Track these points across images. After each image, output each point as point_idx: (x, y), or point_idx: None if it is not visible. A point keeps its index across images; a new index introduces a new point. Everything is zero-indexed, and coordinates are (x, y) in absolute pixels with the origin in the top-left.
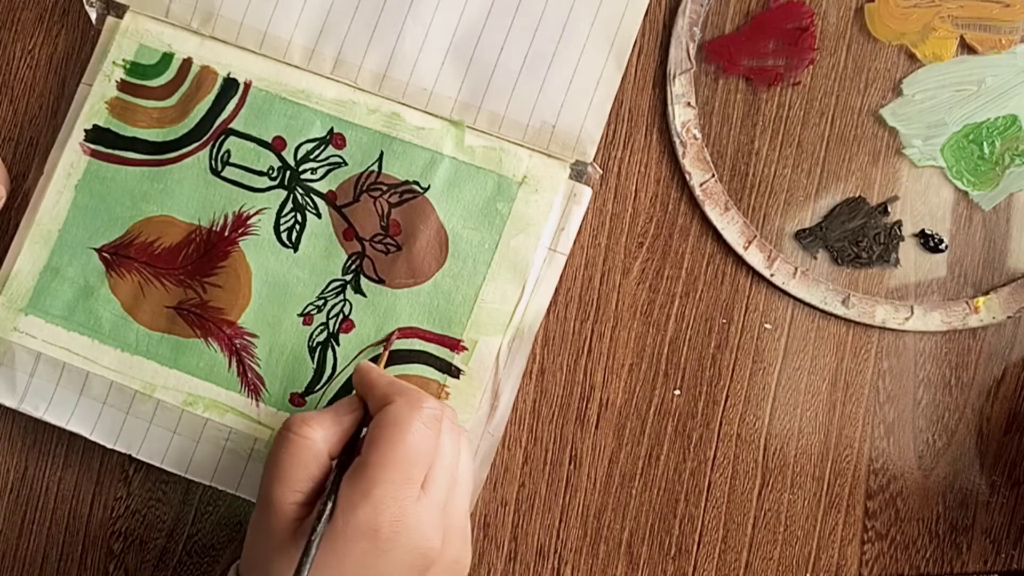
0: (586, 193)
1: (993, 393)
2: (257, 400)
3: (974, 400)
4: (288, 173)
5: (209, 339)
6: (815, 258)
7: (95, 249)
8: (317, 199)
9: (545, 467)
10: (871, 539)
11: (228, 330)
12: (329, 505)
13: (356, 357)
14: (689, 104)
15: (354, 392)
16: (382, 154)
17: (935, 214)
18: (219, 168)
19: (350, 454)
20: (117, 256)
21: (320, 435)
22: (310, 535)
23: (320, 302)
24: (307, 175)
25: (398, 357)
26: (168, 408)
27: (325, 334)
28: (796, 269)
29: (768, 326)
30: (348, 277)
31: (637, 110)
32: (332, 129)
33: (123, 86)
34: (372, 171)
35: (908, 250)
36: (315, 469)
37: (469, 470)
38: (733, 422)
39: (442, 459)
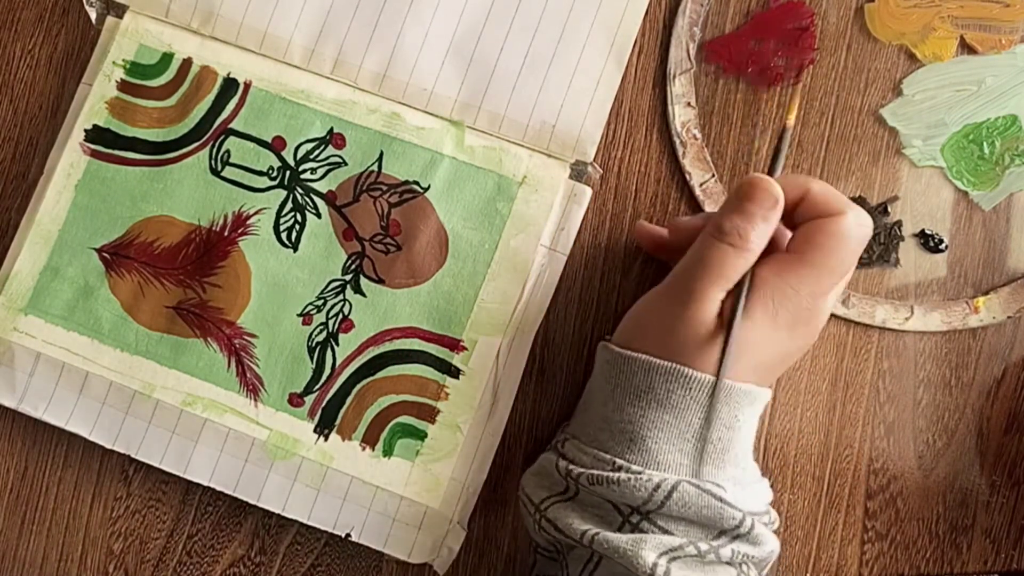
0: (586, 193)
1: (993, 393)
2: (256, 400)
3: (974, 400)
4: (288, 173)
5: (208, 339)
6: None
7: (95, 249)
8: (317, 199)
9: None
10: (871, 539)
11: (227, 330)
12: (743, 298)
13: (356, 357)
14: (689, 104)
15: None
16: (382, 154)
17: (935, 214)
18: (219, 168)
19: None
20: (117, 256)
21: (761, 237)
22: (730, 320)
23: (320, 302)
24: (307, 175)
25: (398, 357)
26: (167, 408)
27: (324, 334)
28: None
29: None
30: (348, 277)
31: (637, 110)
32: (332, 129)
33: (123, 86)
34: (372, 171)
35: (908, 250)
36: (744, 269)
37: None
38: None
39: (848, 275)
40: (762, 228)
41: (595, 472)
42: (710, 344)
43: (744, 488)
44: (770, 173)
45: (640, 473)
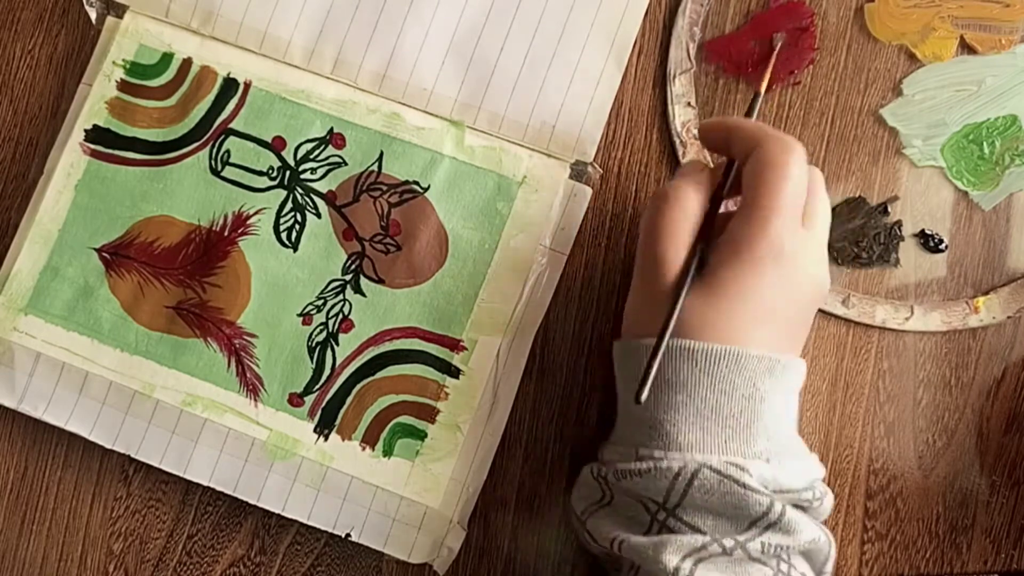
0: (586, 193)
1: (993, 393)
2: (256, 400)
3: (974, 400)
4: (288, 173)
5: (208, 339)
6: None
7: (95, 249)
8: (317, 199)
9: (545, 467)
10: (871, 539)
11: (227, 330)
12: (700, 248)
13: (356, 357)
14: (689, 104)
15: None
16: (382, 154)
17: (935, 214)
18: (219, 168)
19: (715, 203)
20: (117, 256)
21: (694, 191)
22: (684, 274)
23: (320, 302)
24: (307, 175)
25: (398, 357)
26: (167, 408)
27: (324, 334)
28: None
29: None
30: (348, 277)
31: (637, 110)
32: (332, 129)
33: (123, 86)
34: (372, 171)
35: (908, 250)
36: (695, 221)
37: (827, 204)
38: None
39: (816, 193)
40: (683, 180)
41: (620, 466)
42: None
43: (779, 464)
44: None
45: (660, 459)
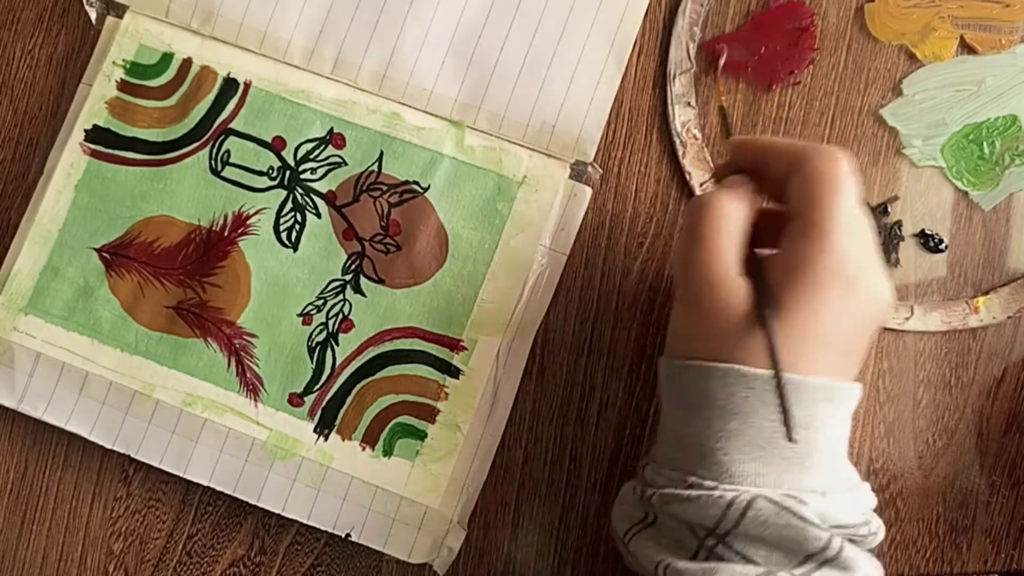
0: (586, 193)
1: (993, 393)
2: (256, 400)
3: (974, 400)
4: (288, 173)
5: (208, 339)
6: None
7: (95, 249)
8: (317, 199)
9: (545, 467)
10: None
11: (227, 330)
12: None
13: (356, 357)
14: (689, 104)
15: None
16: (382, 154)
17: (935, 214)
18: (219, 168)
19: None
20: (117, 256)
21: (737, 200)
22: (760, 304)
23: (320, 302)
24: (307, 175)
25: (398, 357)
26: (167, 408)
27: (324, 334)
28: None
29: None
30: (348, 277)
31: (637, 110)
32: (332, 129)
33: (123, 86)
34: (372, 171)
35: (908, 250)
36: (741, 234)
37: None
38: None
39: (861, 210)
40: (722, 190)
41: (668, 491)
42: (751, 335)
43: (835, 499)
44: None
45: (713, 488)
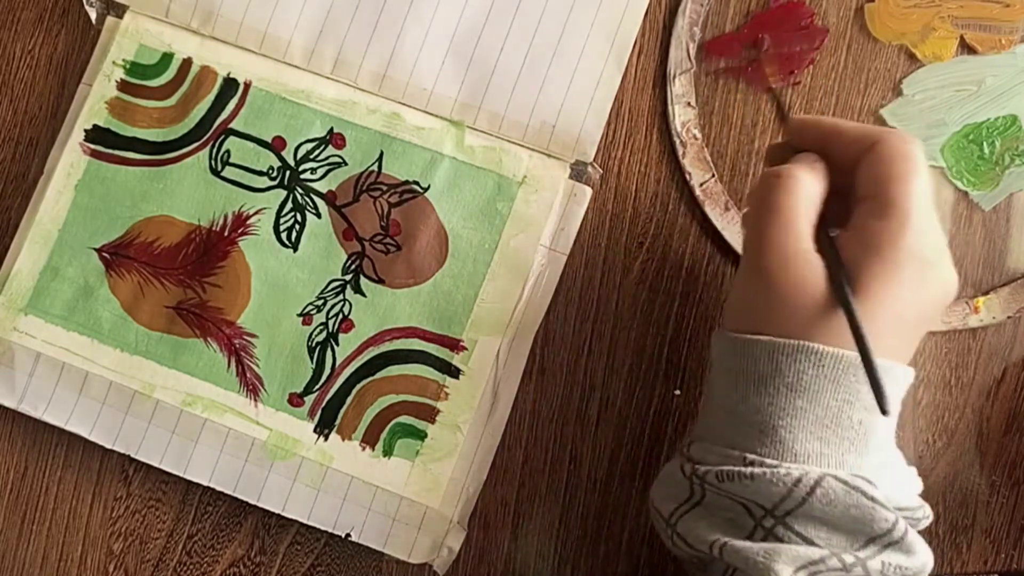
0: (586, 193)
1: (993, 393)
2: (256, 400)
3: (974, 400)
4: (288, 173)
5: (208, 339)
6: None
7: (95, 249)
8: (317, 199)
9: (545, 467)
10: None
11: (227, 330)
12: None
13: (356, 357)
14: (689, 104)
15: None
16: (382, 154)
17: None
18: (219, 168)
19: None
20: (117, 256)
21: (813, 176)
22: (838, 282)
23: (320, 302)
24: (307, 175)
25: (398, 357)
26: (167, 408)
27: (324, 334)
28: None
29: None
30: (348, 277)
31: (637, 110)
32: (332, 129)
33: (123, 86)
34: (372, 171)
35: None
36: (814, 210)
37: None
38: None
39: (918, 193)
40: (798, 166)
41: (725, 468)
42: (825, 312)
43: (892, 481)
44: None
45: (777, 466)
